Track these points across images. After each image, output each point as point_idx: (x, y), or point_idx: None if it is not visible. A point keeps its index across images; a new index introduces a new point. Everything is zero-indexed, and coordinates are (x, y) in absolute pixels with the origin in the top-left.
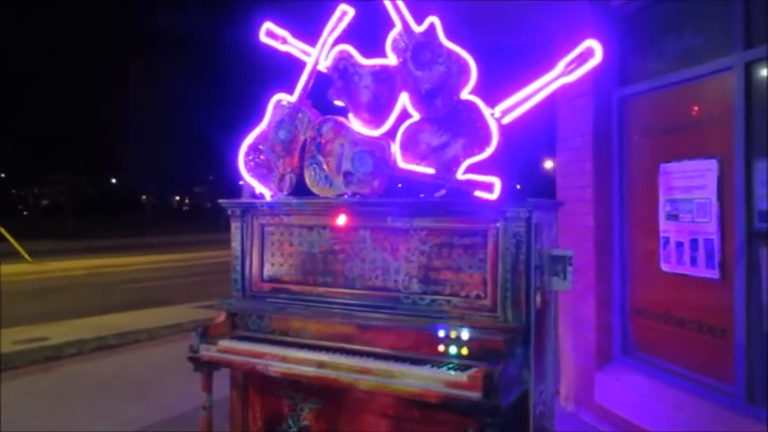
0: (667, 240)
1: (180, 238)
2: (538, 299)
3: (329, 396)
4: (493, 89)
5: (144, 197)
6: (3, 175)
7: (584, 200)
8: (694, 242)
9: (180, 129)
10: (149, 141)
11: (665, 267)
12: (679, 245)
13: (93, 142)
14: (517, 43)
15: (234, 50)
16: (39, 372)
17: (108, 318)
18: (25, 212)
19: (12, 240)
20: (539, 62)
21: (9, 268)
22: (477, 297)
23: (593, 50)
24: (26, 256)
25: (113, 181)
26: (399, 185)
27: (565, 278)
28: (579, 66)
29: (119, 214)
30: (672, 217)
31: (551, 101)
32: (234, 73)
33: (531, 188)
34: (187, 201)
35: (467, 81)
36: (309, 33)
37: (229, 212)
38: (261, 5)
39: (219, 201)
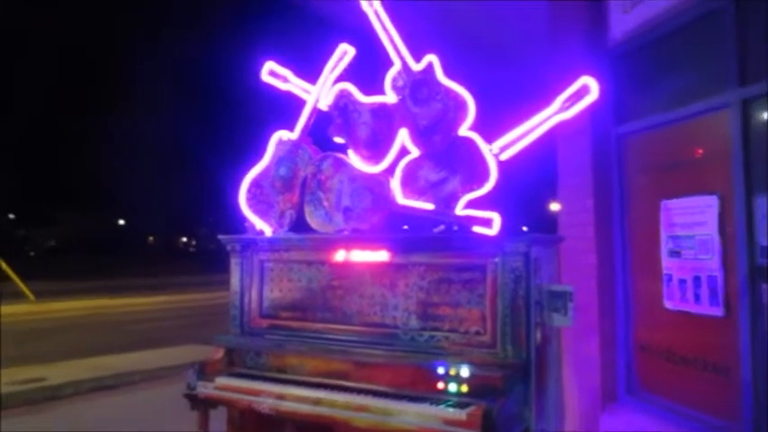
0: (670, 277)
1: (184, 279)
2: (538, 335)
3: None
4: (491, 126)
5: (150, 238)
6: (12, 216)
7: (586, 237)
8: (697, 279)
9: (186, 171)
10: (156, 184)
11: (668, 305)
12: (682, 282)
13: (102, 185)
14: (516, 81)
15: (237, 89)
16: (35, 412)
17: (107, 358)
18: (32, 253)
19: (16, 280)
20: (537, 100)
21: (12, 308)
22: (477, 333)
23: (588, 88)
24: (30, 296)
25: (121, 222)
26: (400, 222)
27: (565, 314)
28: (575, 102)
29: (125, 255)
30: (674, 254)
31: (551, 138)
32: (237, 112)
33: (538, 228)
34: (194, 242)
35: (464, 117)
36: (310, 72)
37: (229, 248)
38: (262, 46)
39: (219, 236)
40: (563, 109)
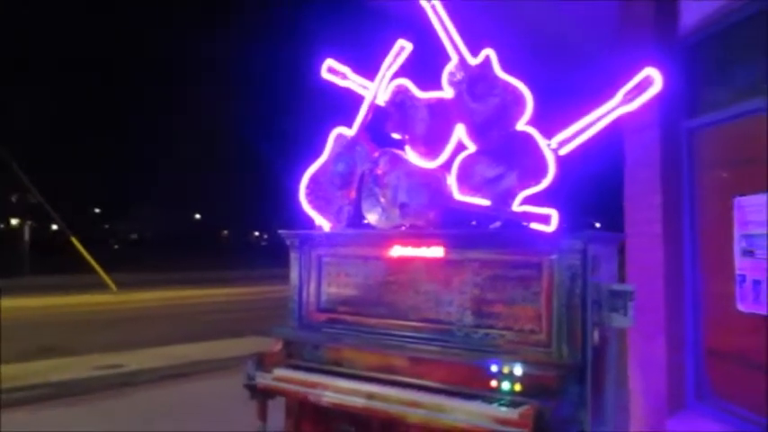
0: (744, 278)
1: (256, 272)
2: (596, 335)
3: (379, 429)
4: (551, 120)
5: (225, 232)
6: (97, 210)
7: (652, 235)
8: None
9: (258, 167)
10: (230, 180)
11: (741, 307)
12: (756, 283)
13: (180, 181)
14: (581, 79)
15: (298, 86)
16: (112, 397)
17: (181, 347)
18: (116, 246)
19: (100, 271)
20: (602, 93)
21: (95, 298)
22: (531, 331)
23: (652, 79)
24: (112, 287)
25: (197, 216)
26: (456, 219)
27: (626, 314)
28: (638, 95)
29: (201, 248)
30: (747, 253)
31: (618, 133)
32: (301, 108)
33: (613, 226)
34: (265, 236)
35: (522, 112)
36: (368, 68)
37: (288, 243)
38: (321, 43)
39: (279, 231)
40: (625, 102)
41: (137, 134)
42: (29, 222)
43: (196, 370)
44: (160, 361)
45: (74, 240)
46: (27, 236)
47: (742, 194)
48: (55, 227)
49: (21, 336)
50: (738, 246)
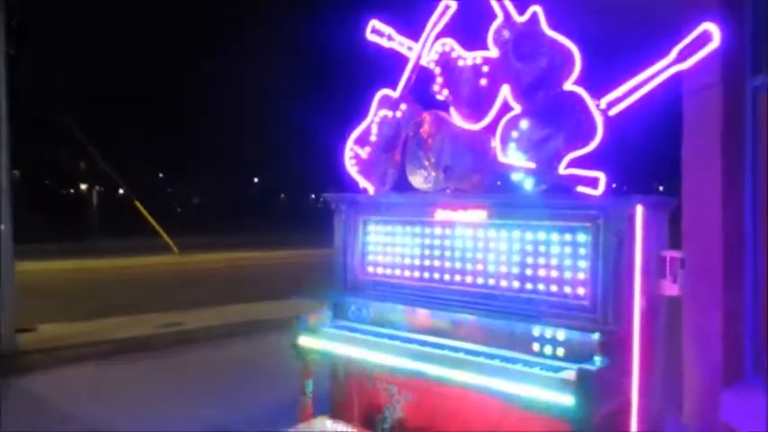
0: None
1: (312, 235)
2: (643, 302)
3: (424, 389)
4: (602, 79)
5: (282, 195)
6: (161, 175)
7: (712, 199)
8: None
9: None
10: (287, 144)
11: None
12: None
13: (239, 145)
14: (632, 30)
15: (345, 48)
16: (172, 354)
17: (239, 307)
18: (178, 209)
19: (164, 235)
20: (657, 50)
21: (159, 260)
22: (576, 297)
23: (710, 34)
24: (175, 249)
25: (255, 180)
26: (499, 182)
27: (675, 282)
28: (694, 52)
29: (259, 211)
30: None
31: (676, 92)
32: (351, 72)
33: (649, 189)
34: (321, 199)
35: (570, 72)
36: (412, 29)
37: (333, 207)
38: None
39: (324, 195)
40: (680, 59)
41: (198, 100)
42: (96, 187)
43: (253, 329)
44: (218, 320)
45: (138, 204)
46: (95, 200)
47: None
48: (121, 191)
49: (88, 295)
50: None
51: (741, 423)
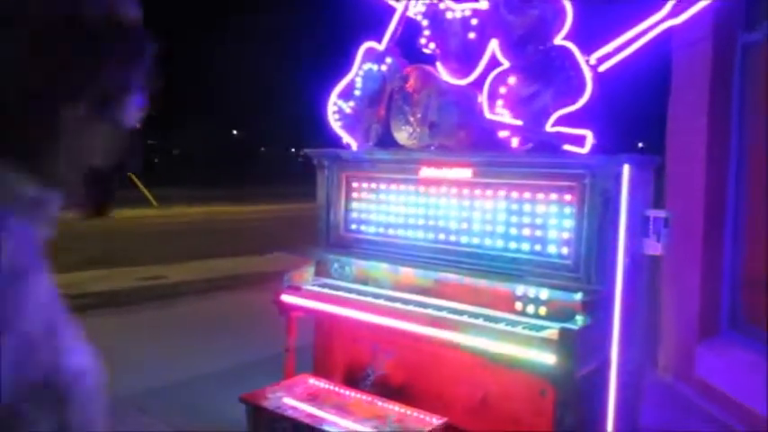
0: None
1: (293, 189)
2: (627, 261)
3: (407, 348)
4: (592, 34)
5: (262, 149)
6: (138, 126)
7: (696, 158)
8: None
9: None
10: (267, 96)
11: None
12: None
13: (217, 97)
14: None
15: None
16: (155, 308)
17: (221, 261)
18: (156, 160)
19: (141, 187)
20: (649, 5)
21: (137, 212)
22: (560, 257)
23: None
24: (153, 202)
25: (234, 133)
26: (487, 139)
27: (659, 241)
28: (688, 7)
29: (239, 164)
30: None
31: (663, 49)
32: (332, 25)
33: (658, 148)
34: (302, 154)
35: (561, 25)
36: None
37: (316, 163)
38: None
39: (306, 150)
40: (673, 14)
41: (176, 51)
42: None
43: (236, 284)
44: (201, 274)
45: None
46: None
47: None
48: None
49: (64, 247)
50: None
51: (715, 377)
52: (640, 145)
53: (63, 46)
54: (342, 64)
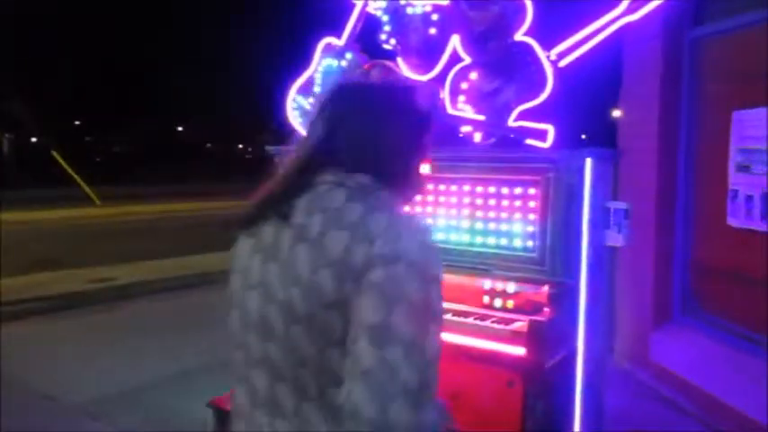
0: (736, 194)
1: (242, 186)
2: (590, 253)
3: None
4: (550, 30)
5: (208, 145)
6: (77, 123)
7: (647, 150)
8: (766, 196)
9: (243, 77)
10: (213, 91)
11: (732, 222)
12: (749, 198)
13: (161, 92)
14: None
15: None
16: (106, 311)
17: (172, 261)
18: (98, 159)
19: (83, 185)
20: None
21: (80, 212)
22: (525, 250)
23: None
24: (96, 200)
25: (180, 129)
26: (449, 133)
27: (620, 232)
28: (644, 3)
29: (185, 161)
30: (742, 168)
31: (618, 43)
32: (290, 18)
33: (599, 138)
34: (250, 149)
35: (522, 21)
36: None
37: (277, 161)
38: None
39: (266, 147)
40: (630, 11)
41: (117, 45)
42: (6, 135)
43: (189, 283)
44: (151, 274)
45: (54, 153)
46: (5, 149)
47: (741, 108)
48: (35, 139)
49: (10, 249)
50: (733, 160)
51: (668, 362)
52: (583, 137)
53: (415, 124)
54: (296, 60)
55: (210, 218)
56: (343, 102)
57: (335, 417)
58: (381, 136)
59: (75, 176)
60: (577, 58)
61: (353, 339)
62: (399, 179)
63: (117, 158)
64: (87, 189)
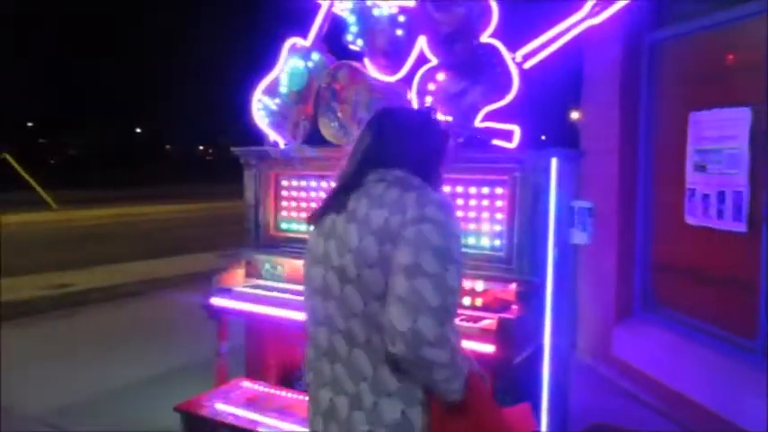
0: (693, 192)
1: (203, 188)
2: (556, 252)
3: None
4: (515, 32)
5: (168, 147)
6: (30, 124)
7: (609, 150)
8: (721, 194)
9: (204, 78)
10: (173, 92)
11: (690, 220)
12: (705, 197)
13: (118, 92)
14: None
15: None
16: (65, 317)
17: (131, 265)
18: (52, 161)
19: (38, 188)
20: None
21: (34, 216)
22: (493, 249)
23: None
24: (52, 204)
25: (138, 130)
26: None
27: (584, 230)
28: (606, 6)
29: (144, 163)
30: (699, 168)
31: (579, 46)
32: (254, 17)
33: (558, 139)
34: (210, 151)
35: (488, 23)
36: None
37: (242, 161)
38: None
39: (232, 149)
40: (592, 14)
41: (72, 44)
42: None
43: (148, 288)
44: (110, 279)
45: (7, 156)
46: None
47: (698, 110)
48: None
49: None
50: (691, 160)
51: (629, 357)
52: (543, 137)
53: (436, 139)
54: (262, 60)
55: (168, 222)
56: (387, 121)
57: (380, 360)
58: (415, 147)
59: (30, 180)
60: (541, 60)
61: (392, 277)
62: (427, 178)
63: (74, 161)
64: (43, 193)
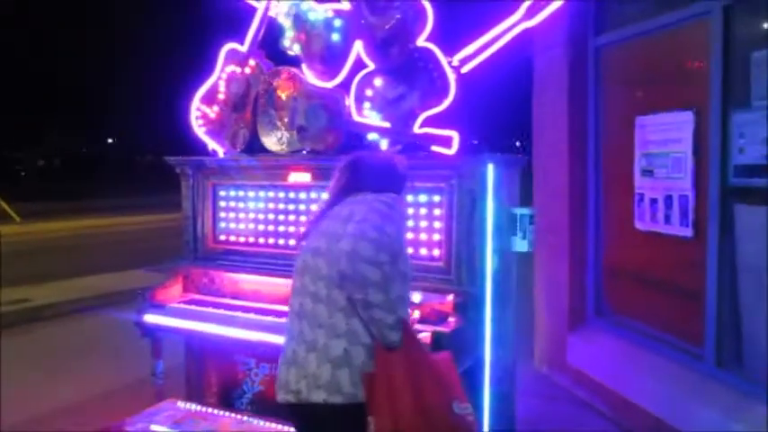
0: (642, 197)
1: (174, 198)
2: (496, 260)
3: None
4: (452, 36)
5: (138, 157)
6: None
7: (558, 156)
8: (668, 199)
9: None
10: (143, 102)
11: (639, 226)
12: (653, 202)
13: (88, 103)
14: None
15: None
16: (15, 335)
17: (92, 279)
18: (23, 173)
19: (1, 202)
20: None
21: None
22: (431, 258)
23: None
24: (15, 217)
25: (110, 141)
26: (355, 141)
27: (525, 238)
28: (541, 9)
29: (114, 175)
30: (647, 173)
31: (528, 52)
32: (191, 20)
33: (507, 146)
34: (160, 161)
35: (423, 27)
36: None
37: (179, 171)
38: None
39: (166, 158)
40: (527, 17)
41: (42, 58)
42: None
43: (106, 302)
44: (67, 294)
45: None
46: None
47: (643, 114)
48: None
49: None
50: (638, 165)
51: (583, 364)
52: (518, 143)
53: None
54: (204, 67)
55: (134, 234)
56: (359, 165)
57: (336, 309)
58: (385, 179)
59: None
60: (488, 65)
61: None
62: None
63: (40, 173)
64: (5, 206)
